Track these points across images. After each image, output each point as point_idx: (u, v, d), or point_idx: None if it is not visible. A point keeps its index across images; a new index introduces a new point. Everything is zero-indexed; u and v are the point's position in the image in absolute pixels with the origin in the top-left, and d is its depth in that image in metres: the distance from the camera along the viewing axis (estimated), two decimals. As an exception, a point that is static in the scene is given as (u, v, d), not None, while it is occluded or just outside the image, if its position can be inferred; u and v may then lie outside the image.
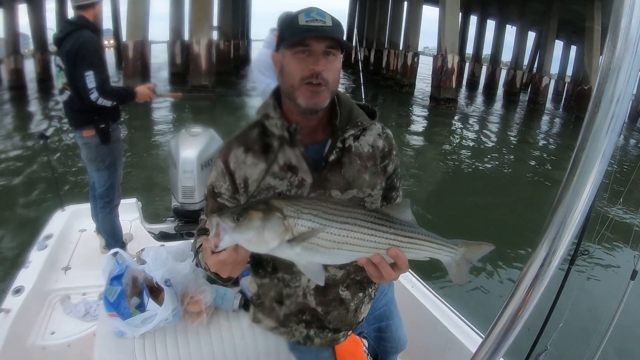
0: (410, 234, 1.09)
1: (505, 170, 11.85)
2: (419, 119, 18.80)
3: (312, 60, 1.21)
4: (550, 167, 12.42)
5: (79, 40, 2.92)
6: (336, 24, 1.23)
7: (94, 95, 2.93)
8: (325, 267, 1.42)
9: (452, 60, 19.87)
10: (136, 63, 18.42)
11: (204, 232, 1.37)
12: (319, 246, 1.02)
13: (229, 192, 1.36)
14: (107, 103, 3.01)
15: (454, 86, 20.42)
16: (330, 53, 1.23)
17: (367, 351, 1.94)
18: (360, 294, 1.55)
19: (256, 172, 1.32)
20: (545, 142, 17.02)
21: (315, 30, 1.19)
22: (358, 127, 1.36)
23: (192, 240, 2.33)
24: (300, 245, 1.01)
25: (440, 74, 20.10)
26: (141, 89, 3.31)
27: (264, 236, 0.99)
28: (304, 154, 1.30)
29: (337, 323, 1.53)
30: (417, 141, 14.41)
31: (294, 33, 1.21)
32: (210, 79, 19.24)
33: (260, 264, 1.50)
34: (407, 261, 1.10)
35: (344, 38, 1.25)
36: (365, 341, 1.91)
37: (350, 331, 1.61)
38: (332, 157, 1.33)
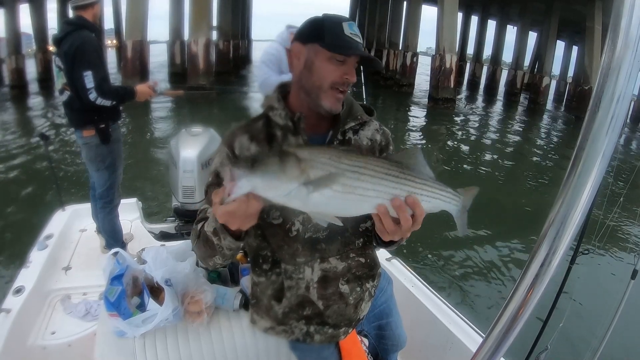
0: (426, 182, 1.06)
1: (504, 171, 11.84)
2: (416, 119, 18.81)
3: (347, 69, 1.29)
4: (549, 167, 12.42)
5: (78, 41, 2.92)
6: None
7: (92, 95, 2.94)
8: (326, 258, 1.44)
9: (450, 60, 19.88)
10: (135, 63, 18.44)
11: (201, 220, 1.36)
12: (335, 192, 0.98)
13: None
14: (107, 103, 3.01)
15: (452, 86, 20.43)
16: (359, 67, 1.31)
17: (367, 350, 1.95)
18: (359, 289, 1.56)
19: None
20: (544, 143, 17.01)
21: (358, 47, 1.28)
22: (357, 121, 1.42)
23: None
24: (317, 191, 0.96)
25: (438, 74, 20.13)
26: (141, 88, 3.30)
27: (281, 178, 0.94)
28: (307, 143, 1.34)
29: (336, 318, 1.54)
30: (414, 141, 14.38)
31: (341, 40, 1.27)
32: (208, 79, 19.22)
33: (258, 261, 1.50)
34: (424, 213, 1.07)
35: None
36: (365, 340, 1.91)
37: (350, 328, 1.61)
38: None
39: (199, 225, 1.34)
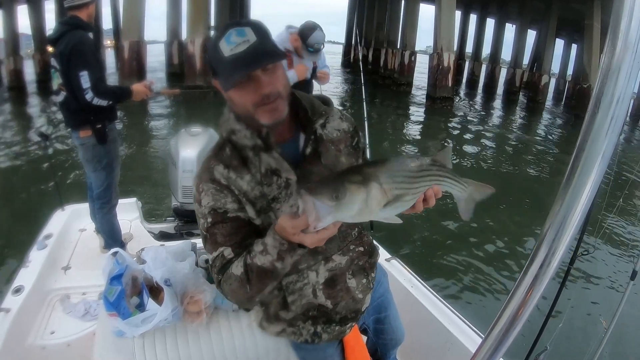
0: (440, 171, 1.21)
1: (503, 169, 11.81)
2: (415, 118, 18.78)
3: (255, 85, 1.20)
4: (549, 167, 12.41)
5: (73, 41, 2.92)
6: (259, 33, 1.19)
7: (89, 95, 2.93)
8: (329, 257, 1.46)
9: (448, 59, 19.82)
10: (132, 64, 18.39)
11: (227, 266, 1.30)
12: (400, 202, 1.08)
13: (236, 203, 1.31)
14: (103, 102, 3.01)
15: (450, 85, 20.38)
16: (268, 67, 1.20)
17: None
18: (364, 281, 1.56)
19: (244, 184, 1.31)
20: (542, 141, 16.98)
21: (243, 61, 1.16)
22: (324, 116, 1.39)
23: (192, 240, 2.34)
24: (391, 206, 1.05)
25: (436, 73, 20.08)
26: (137, 87, 3.30)
27: (368, 208, 1.01)
28: (282, 155, 1.31)
29: (345, 313, 1.54)
30: (411, 140, 14.38)
31: (226, 71, 1.19)
32: (205, 79, 19.12)
33: None
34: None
35: (277, 39, 1.24)
36: (363, 337, 1.91)
37: (355, 322, 1.61)
38: (308, 150, 1.36)
39: (238, 269, 1.27)
